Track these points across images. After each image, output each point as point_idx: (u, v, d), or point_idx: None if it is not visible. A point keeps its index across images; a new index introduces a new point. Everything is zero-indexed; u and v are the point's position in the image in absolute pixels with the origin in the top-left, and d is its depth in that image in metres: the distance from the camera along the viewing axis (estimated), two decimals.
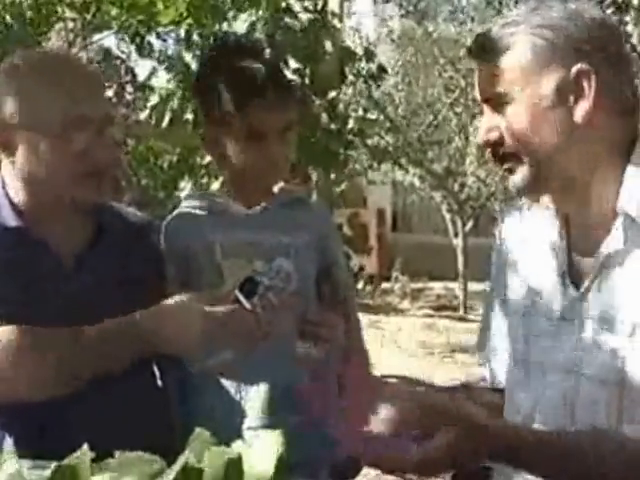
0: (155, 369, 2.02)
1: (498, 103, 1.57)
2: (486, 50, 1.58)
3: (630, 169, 1.55)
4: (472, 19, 10.44)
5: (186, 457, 1.22)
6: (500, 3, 8.95)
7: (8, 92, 1.85)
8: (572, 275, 1.63)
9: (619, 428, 1.50)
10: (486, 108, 1.61)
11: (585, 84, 1.52)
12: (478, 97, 1.64)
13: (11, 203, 1.88)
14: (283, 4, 5.13)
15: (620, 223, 1.53)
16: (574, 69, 1.52)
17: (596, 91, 1.52)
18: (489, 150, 1.62)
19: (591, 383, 1.54)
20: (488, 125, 1.60)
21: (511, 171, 1.60)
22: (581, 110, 1.53)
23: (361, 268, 5.56)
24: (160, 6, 4.41)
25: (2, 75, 1.89)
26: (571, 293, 1.61)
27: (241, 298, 1.81)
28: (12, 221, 1.86)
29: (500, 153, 1.60)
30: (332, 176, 5.67)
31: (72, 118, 1.82)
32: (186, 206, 2.20)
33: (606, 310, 1.54)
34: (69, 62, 1.97)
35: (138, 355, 1.81)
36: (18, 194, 1.88)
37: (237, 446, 1.26)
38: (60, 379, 1.76)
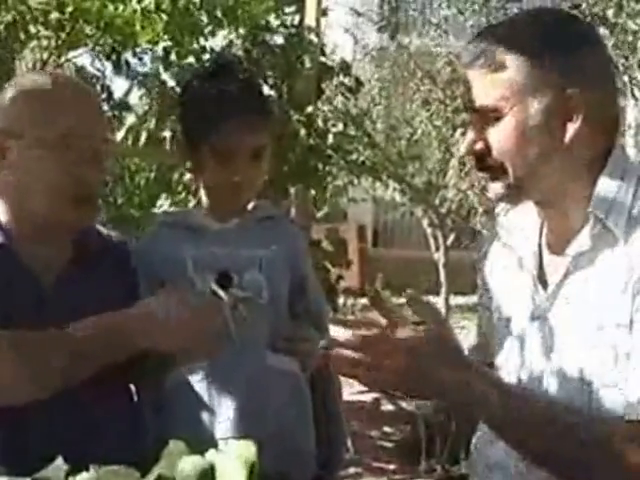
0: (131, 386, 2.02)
1: (487, 115, 1.60)
2: (480, 63, 1.60)
3: (604, 175, 1.58)
4: (446, 32, 10.49)
5: (160, 468, 1.22)
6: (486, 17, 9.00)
7: (2, 104, 1.89)
8: (544, 277, 1.67)
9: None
10: (475, 118, 1.64)
11: (574, 105, 1.55)
12: (471, 104, 1.65)
13: None
14: (261, 21, 5.15)
15: (589, 225, 1.57)
16: (564, 91, 1.55)
17: (583, 112, 1.55)
18: (473, 159, 1.65)
19: (561, 382, 1.57)
20: (474, 136, 1.63)
21: (495, 179, 1.63)
22: (569, 131, 1.56)
23: (339, 278, 5.56)
24: (137, 27, 4.41)
25: (4, 89, 1.94)
26: (541, 294, 1.65)
27: (217, 290, 1.84)
28: None
29: (484, 164, 1.63)
30: (312, 192, 5.68)
31: (54, 138, 1.83)
32: (160, 223, 2.22)
33: (574, 310, 1.58)
34: (64, 84, 1.96)
35: (117, 352, 1.81)
36: (4, 213, 1.89)
37: (211, 455, 1.26)
38: (41, 381, 1.75)
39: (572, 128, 1.56)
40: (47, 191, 1.85)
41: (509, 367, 1.70)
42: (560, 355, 1.59)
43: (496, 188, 1.63)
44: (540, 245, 1.69)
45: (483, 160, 1.63)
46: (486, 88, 1.59)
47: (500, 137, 1.59)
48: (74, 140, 1.83)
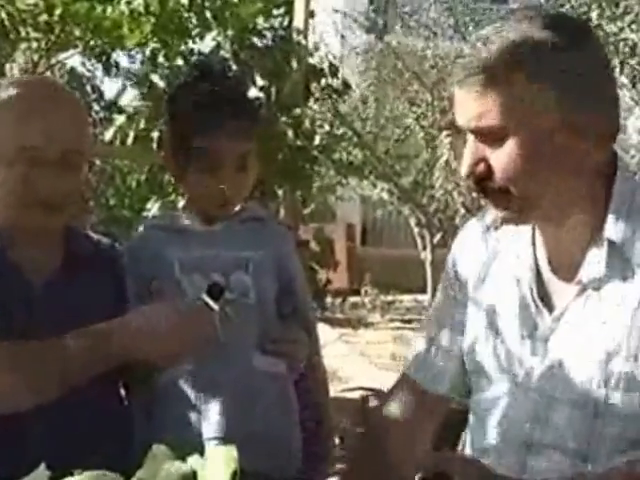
0: (121, 389, 2.04)
1: (488, 136, 1.49)
2: (478, 80, 1.47)
3: (615, 197, 1.53)
4: (434, 34, 10.52)
5: (142, 473, 1.24)
6: (471, 18, 9.01)
7: None
8: (543, 296, 1.59)
9: (588, 451, 1.51)
10: (471, 137, 1.52)
11: (580, 122, 1.46)
12: (460, 123, 1.53)
13: None
14: (250, 24, 5.17)
15: (604, 250, 1.51)
16: (569, 109, 1.45)
17: (590, 129, 1.47)
18: (473, 182, 1.54)
19: (562, 405, 1.54)
20: (474, 157, 1.52)
21: (498, 204, 1.54)
22: (575, 149, 1.48)
23: (328, 281, 5.59)
24: (125, 29, 4.42)
25: None
26: (544, 314, 1.58)
27: (208, 300, 1.86)
28: None
29: (487, 187, 1.52)
30: (299, 192, 5.70)
31: (11, 153, 1.83)
32: (148, 226, 2.23)
33: (582, 335, 1.53)
34: (44, 90, 1.95)
35: (108, 362, 1.82)
36: None
37: (193, 461, 1.28)
38: (29, 391, 1.77)
39: (579, 146, 1.47)
40: (9, 199, 1.86)
41: (497, 390, 1.63)
42: (562, 381, 1.54)
43: (504, 213, 1.54)
44: (536, 259, 1.62)
45: (484, 183, 1.52)
46: (484, 107, 1.46)
47: (505, 161, 1.48)
48: (35, 152, 1.83)
